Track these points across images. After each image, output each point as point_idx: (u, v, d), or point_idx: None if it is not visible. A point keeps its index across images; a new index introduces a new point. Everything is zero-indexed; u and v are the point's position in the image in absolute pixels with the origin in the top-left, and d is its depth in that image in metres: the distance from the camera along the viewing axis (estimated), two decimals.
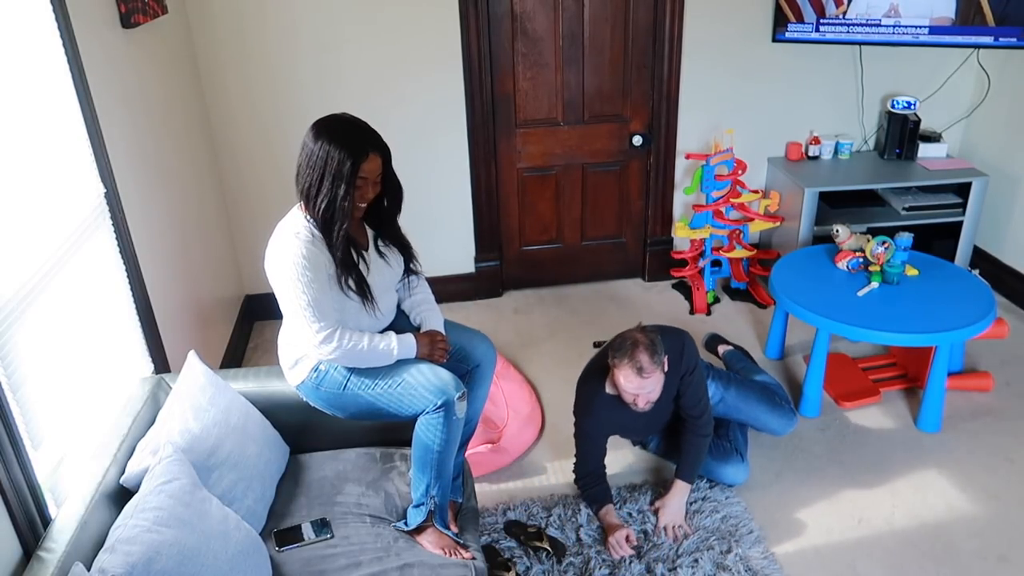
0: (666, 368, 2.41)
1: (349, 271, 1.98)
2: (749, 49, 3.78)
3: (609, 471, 2.80)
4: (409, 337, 2.06)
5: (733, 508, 2.60)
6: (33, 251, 1.82)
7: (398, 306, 2.26)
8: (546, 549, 2.44)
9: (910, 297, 2.96)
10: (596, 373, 2.57)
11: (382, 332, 2.08)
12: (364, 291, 2.01)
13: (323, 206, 1.92)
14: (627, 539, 2.46)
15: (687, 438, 2.57)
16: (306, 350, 2.04)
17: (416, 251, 2.23)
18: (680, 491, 2.57)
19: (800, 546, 2.49)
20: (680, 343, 2.51)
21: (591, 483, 2.61)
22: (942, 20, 3.51)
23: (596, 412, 2.55)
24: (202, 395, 2.02)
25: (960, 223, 3.84)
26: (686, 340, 2.53)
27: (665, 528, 2.53)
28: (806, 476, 2.77)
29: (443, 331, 2.19)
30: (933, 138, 4.00)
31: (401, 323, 2.22)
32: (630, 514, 2.59)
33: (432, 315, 2.23)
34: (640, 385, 2.34)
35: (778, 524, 2.57)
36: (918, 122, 3.91)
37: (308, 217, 1.98)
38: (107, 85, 2.34)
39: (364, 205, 2.01)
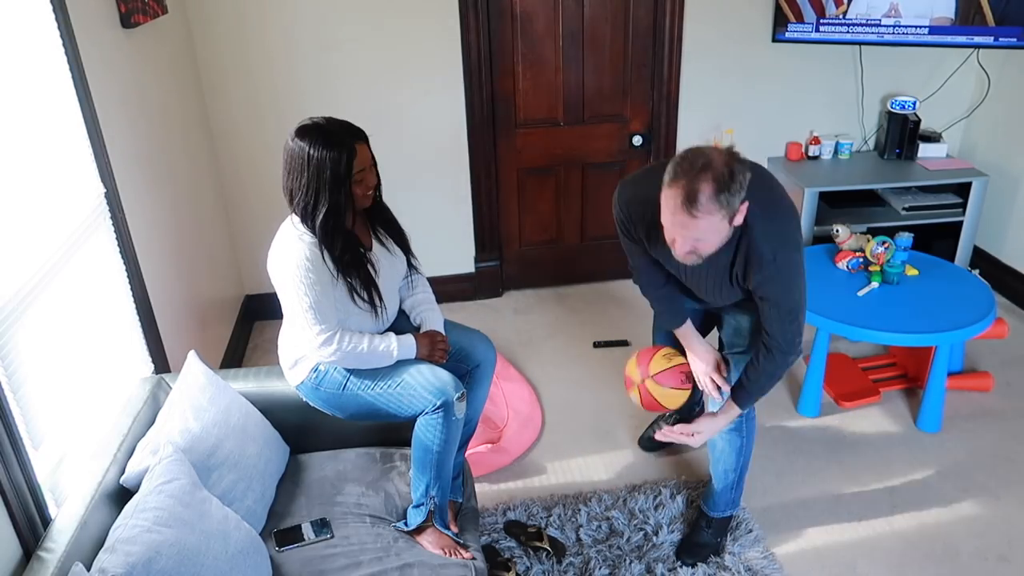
0: (736, 221, 1.75)
1: (362, 283, 1.99)
2: (749, 49, 3.78)
3: (608, 472, 2.81)
4: (409, 338, 2.06)
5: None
6: (33, 251, 1.81)
7: (399, 306, 2.26)
8: (546, 549, 2.44)
9: (910, 297, 2.96)
10: (649, 174, 1.94)
11: (382, 333, 2.08)
12: (375, 301, 2.02)
13: (322, 216, 1.90)
14: (718, 370, 2.10)
15: (755, 353, 2.02)
16: (306, 351, 2.04)
17: (412, 243, 2.23)
18: (728, 415, 2.13)
19: (800, 546, 2.49)
20: (784, 207, 1.86)
21: (652, 296, 2.19)
22: (942, 20, 3.51)
23: (621, 207, 2.02)
24: (202, 395, 2.02)
25: (960, 223, 3.83)
26: (794, 215, 1.88)
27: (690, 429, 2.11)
28: (806, 476, 2.77)
29: (443, 331, 2.19)
30: (933, 138, 3.99)
31: (401, 323, 2.22)
32: (631, 513, 2.59)
33: (432, 315, 2.23)
34: (683, 223, 1.70)
35: (778, 524, 2.57)
36: (918, 122, 3.91)
37: (308, 231, 1.97)
38: (107, 85, 2.34)
39: (372, 192, 2.01)
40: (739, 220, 1.76)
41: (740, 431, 2.30)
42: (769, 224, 1.84)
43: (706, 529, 2.46)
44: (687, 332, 2.21)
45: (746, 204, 1.74)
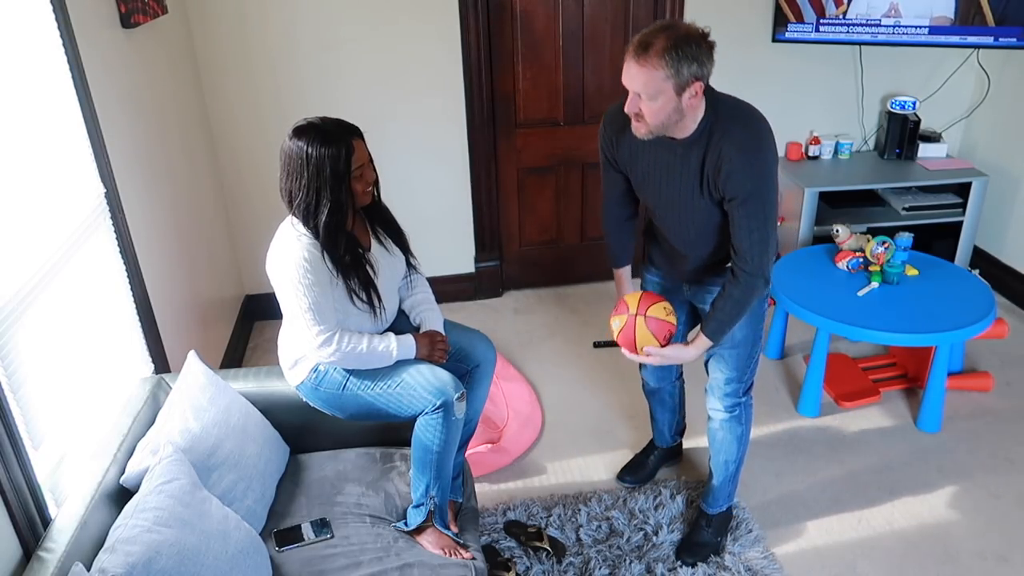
0: (686, 99, 1.78)
1: (360, 284, 1.99)
2: (749, 49, 3.78)
3: (608, 472, 2.81)
4: (408, 338, 2.06)
5: (733, 508, 2.59)
6: (33, 251, 1.81)
7: (398, 306, 2.26)
8: (546, 549, 2.44)
9: (910, 297, 2.96)
10: None
11: (382, 333, 2.08)
12: (373, 301, 2.02)
13: (325, 215, 1.90)
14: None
15: (723, 284, 2.02)
16: (305, 351, 2.04)
17: (411, 244, 2.23)
18: (699, 346, 2.08)
19: (800, 546, 2.49)
20: (758, 121, 1.88)
21: (609, 228, 2.28)
22: (942, 20, 3.51)
23: (608, 126, 2.08)
24: (202, 395, 2.02)
25: (960, 223, 3.84)
26: (769, 133, 1.88)
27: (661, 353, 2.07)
28: (806, 476, 2.77)
29: (443, 331, 2.19)
30: (933, 138, 4.00)
31: (401, 323, 2.22)
32: (631, 513, 2.59)
33: (432, 315, 2.23)
34: (629, 73, 1.77)
35: (778, 524, 2.57)
36: (918, 122, 3.91)
37: (308, 233, 1.97)
38: (107, 85, 2.34)
39: (372, 188, 2.01)
40: (689, 100, 1.79)
41: (740, 419, 2.31)
42: (744, 130, 1.87)
43: (706, 528, 2.46)
44: (623, 278, 2.32)
45: (700, 86, 1.78)
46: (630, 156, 2.05)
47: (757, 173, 1.86)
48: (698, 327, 2.11)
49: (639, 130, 1.88)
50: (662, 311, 2.08)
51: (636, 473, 2.74)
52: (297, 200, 1.93)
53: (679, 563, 2.40)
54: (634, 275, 2.38)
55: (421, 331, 2.17)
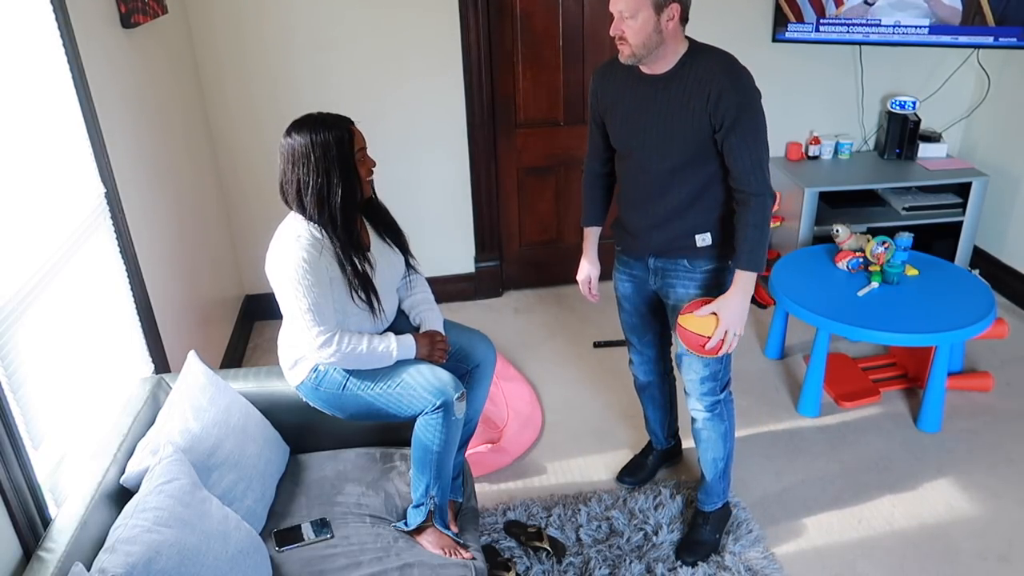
0: (664, 20, 1.93)
1: (360, 282, 1.99)
2: (749, 49, 3.74)
3: (608, 472, 2.81)
4: (408, 338, 2.06)
5: (731, 505, 2.59)
6: (33, 251, 1.82)
7: (398, 306, 2.26)
8: (546, 549, 2.44)
9: (910, 297, 2.96)
10: None
11: (381, 333, 2.08)
12: (371, 300, 2.02)
13: (340, 197, 1.92)
14: (590, 286, 2.40)
15: (735, 219, 2.09)
16: (305, 351, 2.04)
17: (411, 243, 2.24)
18: (740, 285, 2.08)
19: (800, 546, 2.49)
20: (728, 54, 2.01)
21: (585, 184, 2.40)
22: (949, 18, 3.50)
23: (596, 75, 2.23)
24: (202, 395, 2.02)
25: (960, 223, 3.84)
26: (739, 71, 1.98)
27: (723, 337, 2.10)
28: (806, 476, 2.77)
29: (443, 331, 2.19)
30: (933, 138, 4.00)
31: (401, 323, 2.22)
32: (631, 513, 2.59)
33: (432, 315, 2.23)
34: None
35: (778, 524, 2.57)
36: (918, 122, 3.91)
37: (319, 226, 1.97)
38: (107, 85, 2.34)
39: (372, 178, 2.04)
40: (667, 23, 1.94)
41: (722, 416, 2.34)
42: (723, 56, 2.02)
43: (704, 526, 2.47)
44: (589, 237, 2.42)
45: (678, 9, 1.94)
46: (613, 99, 2.16)
47: (744, 88, 1.97)
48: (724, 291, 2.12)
49: (623, 52, 1.99)
50: (694, 312, 2.16)
51: (635, 474, 2.74)
52: (308, 188, 1.93)
53: (679, 563, 2.40)
54: (604, 278, 2.44)
55: (421, 331, 2.17)
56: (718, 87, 1.95)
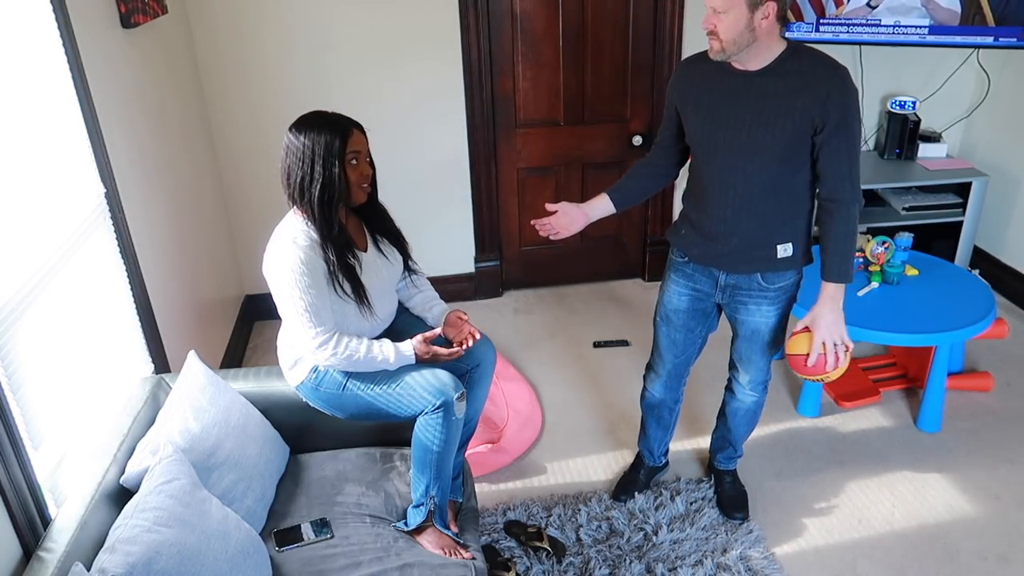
0: (758, 19, 1.86)
1: (344, 271, 1.98)
2: None
3: (608, 472, 2.81)
4: (407, 346, 2.04)
5: None
6: (33, 251, 1.81)
7: (399, 306, 2.26)
8: (546, 549, 2.44)
9: (910, 297, 2.96)
10: None
11: (379, 338, 2.07)
12: (360, 294, 2.01)
13: (318, 190, 1.92)
14: (551, 220, 2.33)
15: (821, 227, 2.03)
16: (304, 352, 2.04)
17: (409, 244, 2.24)
18: (829, 297, 2.06)
19: (800, 546, 2.49)
20: (836, 66, 1.93)
21: (637, 166, 2.33)
22: (949, 19, 3.50)
23: (681, 67, 2.16)
24: (202, 395, 2.02)
25: (960, 223, 3.84)
26: (846, 74, 1.93)
27: (823, 349, 2.05)
28: (806, 476, 2.77)
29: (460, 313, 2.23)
30: (933, 138, 4.00)
31: (401, 323, 2.22)
32: (631, 513, 2.59)
33: (440, 307, 2.27)
34: None
35: (778, 524, 2.57)
36: (918, 122, 3.91)
37: (304, 217, 1.97)
38: (107, 85, 2.34)
39: (367, 186, 2.02)
40: (761, 21, 1.86)
41: (767, 390, 2.45)
42: (829, 59, 1.94)
43: (736, 481, 2.64)
44: (601, 203, 2.32)
45: (774, 7, 1.85)
46: (698, 91, 2.06)
47: (853, 92, 1.93)
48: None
49: (713, 47, 1.94)
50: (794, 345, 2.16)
51: (630, 490, 2.69)
52: (294, 178, 1.95)
53: (735, 519, 2.54)
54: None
55: (435, 323, 2.20)
56: (827, 87, 1.90)
